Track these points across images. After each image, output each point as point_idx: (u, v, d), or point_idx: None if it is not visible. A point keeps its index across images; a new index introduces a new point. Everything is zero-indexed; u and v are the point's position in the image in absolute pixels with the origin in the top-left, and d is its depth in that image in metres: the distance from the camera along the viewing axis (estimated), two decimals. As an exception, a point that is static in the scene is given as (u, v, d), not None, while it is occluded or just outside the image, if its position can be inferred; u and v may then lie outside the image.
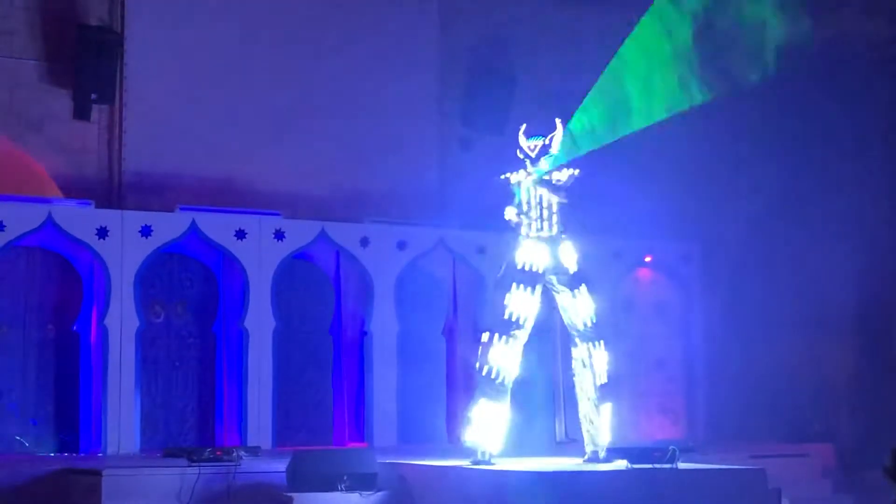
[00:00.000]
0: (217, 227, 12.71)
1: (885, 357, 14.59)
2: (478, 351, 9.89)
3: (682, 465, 9.38)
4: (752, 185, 15.95)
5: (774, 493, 9.72)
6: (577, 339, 10.02)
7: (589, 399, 9.98)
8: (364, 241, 13.28)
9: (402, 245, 13.39)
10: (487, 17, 15.47)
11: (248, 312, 12.70)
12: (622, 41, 15.41)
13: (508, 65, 15.33)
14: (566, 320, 10.08)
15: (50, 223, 12.02)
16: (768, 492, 9.55)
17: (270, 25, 14.22)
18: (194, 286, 13.03)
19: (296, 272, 13.31)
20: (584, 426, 10.03)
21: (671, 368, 15.16)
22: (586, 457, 9.99)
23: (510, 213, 10.08)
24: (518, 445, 10.98)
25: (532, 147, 10.09)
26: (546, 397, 13.89)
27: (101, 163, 13.53)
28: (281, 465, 9.77)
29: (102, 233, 12.18)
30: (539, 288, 9.88)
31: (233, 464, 9.90)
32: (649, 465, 9.28)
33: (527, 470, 9.37)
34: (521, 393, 13.67)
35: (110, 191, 13.48)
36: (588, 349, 9.98)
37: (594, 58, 15.73)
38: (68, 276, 12.50)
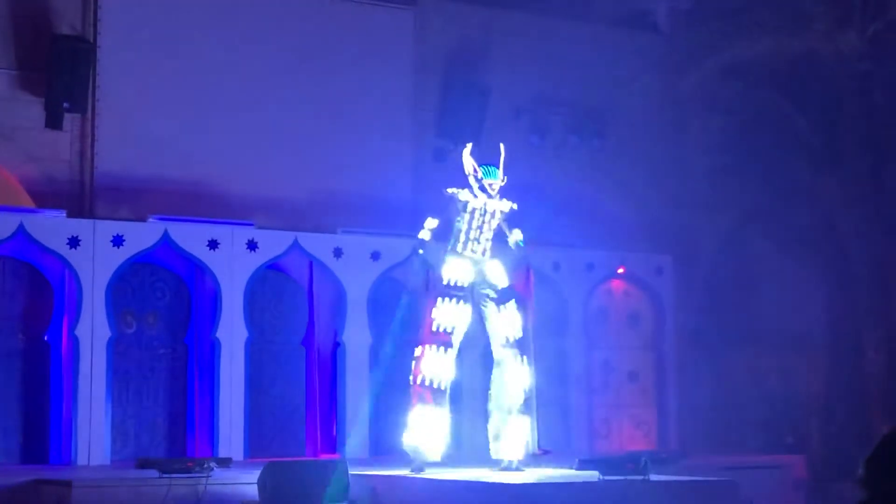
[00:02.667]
0: (189, 236, 12.67)
1: (856, 369, 14.67)
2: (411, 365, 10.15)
3: (653, 477, 9.39)
4: (725, 199, 16.04)
5: (746, 504, 9.75)
6: (499, 354, 10.20)
7: (505, 412, 10.14)
8: (337, 252, 13.26)
9: (375, 256, 13.38)
10: (462, 29, 15.51)
11: (220, 323, 12.66)
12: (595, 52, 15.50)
13: (483, 76, 15.37)
14: (491, 335, 10.26)
15: (21, 232, 11.95)
16: (740, 503, 9.57)
17: (244, 35, 14.19)
18: (166, 296, 12.98)
19: (268, 283, 13.27)
20: (492, 439, 10.20)
21: (644, 380, 15.20)
22: (501, 467, 10.13)
23: (426, 234, 10.29)
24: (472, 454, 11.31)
25: (491, 185, 10.29)
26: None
27: (73, 172, 13.46)
28: (253, 477, 9.71)
29: (74, 242, 12.12)
30: (468, 300, 10.11)
31: (204, 475, 9.85)
32: (621, 477, 9.29)
33: (501, 482, 9.36)
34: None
35: (82, 200, 13.41)
36: (510, 364, 10.15)
37: (568, 69, 15.88)
38: (39, 285, 12.42)
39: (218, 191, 13.78)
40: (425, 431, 10.04)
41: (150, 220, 12.66)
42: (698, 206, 16.27)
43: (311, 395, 13.16)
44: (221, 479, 9.91)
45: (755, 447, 14.99)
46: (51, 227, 12.13)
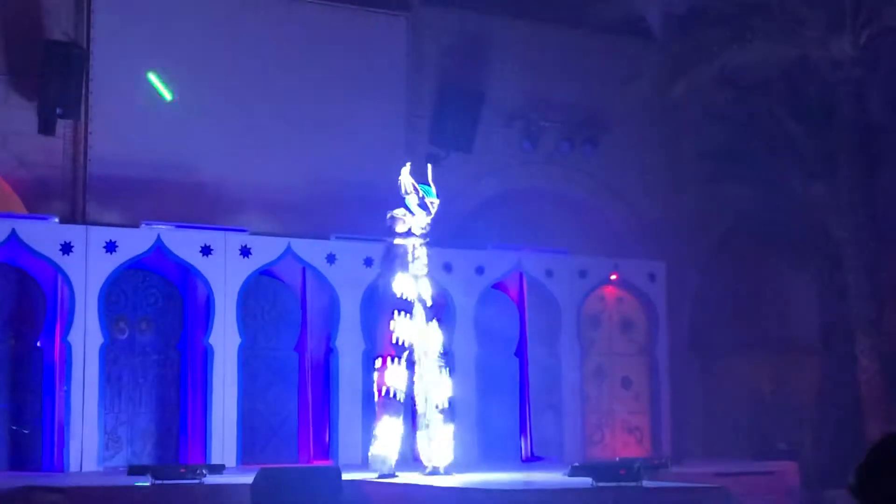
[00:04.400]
0: (182, 242, 12.66)
1: (849, 376, 14.68)
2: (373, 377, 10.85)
3: (646, 484, 9.39)
4: (718, 205, 16.06)
5: (738, 510, 9.75)
6: (423, 366, 10.92)
7: (430, 421, 10.86)
8: (331, 258, 13.25)
9: (368, 262, 13.35)
10: (456, 35, 15.53)
11: (213, 329, 12.64)
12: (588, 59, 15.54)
13: (476, 83, 15.39)
14: (416, 348, 10.94)
15: (14, 238, 11.93)
16: (733, 510, 9.59)
17: (238, 41, 14.19)
18: (159, 302, 12.96)
19: (262, 289, 13.26)
20: (421, 445, 10.94)
21: (637, 386, 15.20)
22: (427, 471, 10.77)
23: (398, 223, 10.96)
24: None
25: (432, 202, 10.95)
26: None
27: (66, 178, 13.44)
28: (245, 483, 9.70)
29: (66, 248, 12.10)
30: (416, 314, 10.87)
31: (197, 481, 9.84)
32: (614, 483, 9.29)
33: (495, 488, 9.36)
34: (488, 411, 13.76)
35: (75, 206, 13.40)
36: (434, 376, 10.89)
37: (561, 76, 15.91)
38: (32, 291, 12.40)
39: (211, 195, 13.77)
40: (390, 442, 10.71)
41: (143, 226, 12.65)
42: (691, 212, 16.29)
43: (303, 401, 13.14)
44: (214, 486, 9.89)
45: (748, 453, 15.00)
46: (43, 233, 12.11)
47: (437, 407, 10.86)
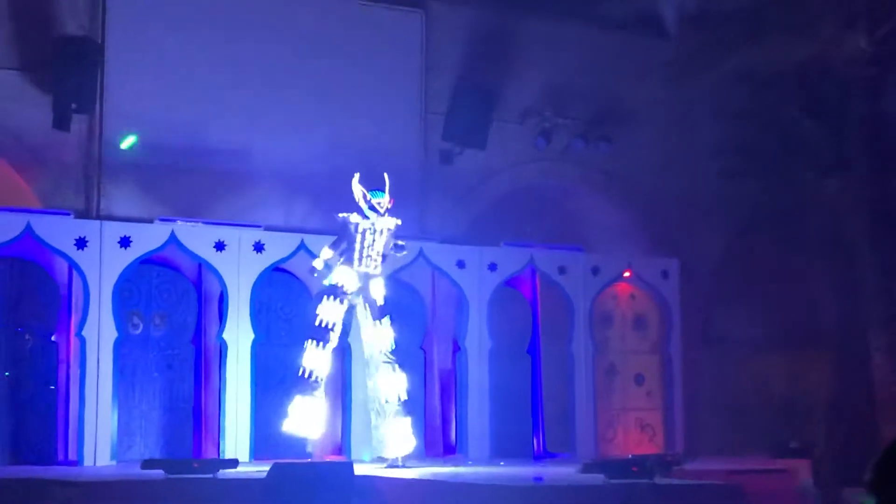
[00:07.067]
0: (196, 238, 12.69)
1: (862, 373, 14.65)
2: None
3: (658, 481, 9.39)
4: (731, 202, 16.02)
5: (751, 508, 9.73)
6: (374, 363, 11.67)
7: (385, 415, 11.59)
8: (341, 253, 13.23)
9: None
10: (470, 32, 15.51)
11: (226, 324, 12.67)
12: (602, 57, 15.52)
13: (490, 79, 15.38)
14: (365, 345, 11.79)
15: (29, 233, 11.97)
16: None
17: (252, 35, 14.20)
18: (173, 297, 12.99)
19: (275, 284, 13.28)
20: (377, 439, 11.73)
21: (650, 384, 15.19)
22: (386, 464, 11.47)
23: (319, 263, 11.62)
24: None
25: (380, 203, 11.56)
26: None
27: (81, 173, 13.47)
28: (259, 478, 9.73)
29: (81, 243, 12.14)
30: (346, 301, 11.56)
31: (210, 476, 9.86)
32: (626, 480, 9.29)
33: (506, 484, 9.37)
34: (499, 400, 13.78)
35: (89, 201, 13.42)
36: (387, 372, 11.63)
37: (575, 74, 15.89)
38: (47, 286, 12.44)
39: (227, 189, 13.79)
40: (304, 419, 11.48)
41: (157, 221, 12.68)
42: (704, 209, 16.26)
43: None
44: (228, 481, 9.91)
45: (761, 451, 14.97)
46: (58, 228, 12.15)
47: (386, 402, 11.59)
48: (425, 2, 15.24)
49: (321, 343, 11.54)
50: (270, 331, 13.23)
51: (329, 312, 11.54)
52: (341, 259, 11.60)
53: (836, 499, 12.78)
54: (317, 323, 11.51)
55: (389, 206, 11.66)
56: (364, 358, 12.04)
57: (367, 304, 11.69)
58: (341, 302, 11.53)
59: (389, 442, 11.62)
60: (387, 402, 11.62)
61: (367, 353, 11.81)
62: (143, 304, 12.84)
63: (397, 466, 11.38)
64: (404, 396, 11.67)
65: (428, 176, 15.02)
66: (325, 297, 11.57)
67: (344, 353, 13.17)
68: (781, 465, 13.26)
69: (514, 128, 15.66)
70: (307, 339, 11.63)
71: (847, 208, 14.69)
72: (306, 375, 11.53)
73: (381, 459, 11.71)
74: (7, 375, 12.23)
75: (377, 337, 11.68)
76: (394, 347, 11.74)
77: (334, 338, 11.62)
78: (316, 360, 11.54)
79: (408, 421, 11.74)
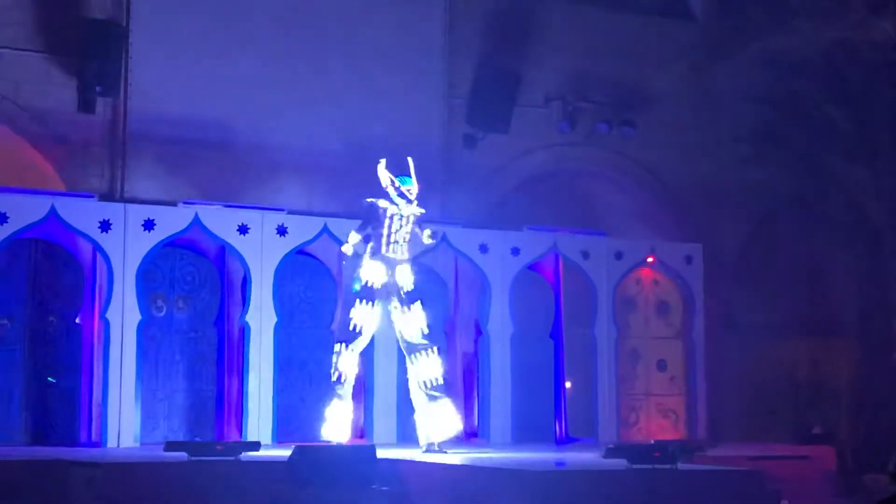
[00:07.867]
0: (220, 221, 12.71)
1: (887, 360, 14.59)
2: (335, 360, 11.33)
3: (681, 466, 9.37)
4: (756, 188, 15.95)
5: (773, 494, 9.71)
6: (409, 349, 11.47)
7: (422, 401, 11.42)
8: (367, 238, 13.23)
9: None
10: (494, 15, 15.48)
11: (250, 307, 12.70)
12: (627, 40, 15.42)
13: (513, 63, 15.34)
14: (399, 333, 11.55)
15: (53, 216, 12.02)
16: (767, 493, 9.55)
17: (276, 18, 14.22)
18: (196, 280, 13.03)
19: (298, 267, 13.30)
20: (421, 423, 11.48)
21: (672, 369, 15.15)
22: (423, 449, 11.29)
23: (349, 248, 11.51)
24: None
25: (409, 190, 11.40)
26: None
27: (105, 156, 13.52)
28: (281, 460, 9.76)
29: (105, 226, 12.18)
30: (378, 303, 11.41)
31: (233, 459, 9.90)
32: (649, 466, 9.28)
33: (528, 469, 9.37)
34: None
35: (113, 184, 13.48)
36: (421, 357, 11.45)
37: (599, 57, 15.83)
38: (71, 268, 12.50)
39: (251, 171, 13.82)
40: (338, 424, 11.33)
41: (181, 204, 12.71)
42: (729, 194, 16.20)
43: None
44: (250, 463, 9.95)
45: (784, 437, 14.93)
46: (82, 211, 12.19)
47: (425, 385, 11.41)
48: (449, -15, 15.21)
49: (350, 345, 11.34)
50: (293, 314, 13.26)
51: (361, 317, 11.34)
52: (369, 245, 11.46)
53: (860, 484, 12.73)
54: (350, 327, 11.30)
55: (417, 190, 11.51)
56: (398, 346, 11.94)
57: (395, 293, 11.46)
58: (373, 306, 11.35)
59: (435, 426, 11.37)
60: (426, 385, 11.42)
61: (401, 341, 11.57)
62: (167, 286, 12.88)
63: (434, 451, 11.15)
64: (440, 380, 11.46)
65: (451, 160, 15.01)
66: (358, 301, 11.34)
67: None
68: (805, 451, 13.22)
69: (538, 112, 15.63)
70: (336, 343, 11.41)
71: (872, 195, 14.61)
72: (342, 380, 11.34)
73: (431, 446, 11.34)
74: (52, 381, 12.32)
75: (409, 323, 11.47)
76: (427, 332, 11.54)
77: (363, 341, 11.47)
78: (346, 362, 11.35)
79: (448, 402, 11.53)
